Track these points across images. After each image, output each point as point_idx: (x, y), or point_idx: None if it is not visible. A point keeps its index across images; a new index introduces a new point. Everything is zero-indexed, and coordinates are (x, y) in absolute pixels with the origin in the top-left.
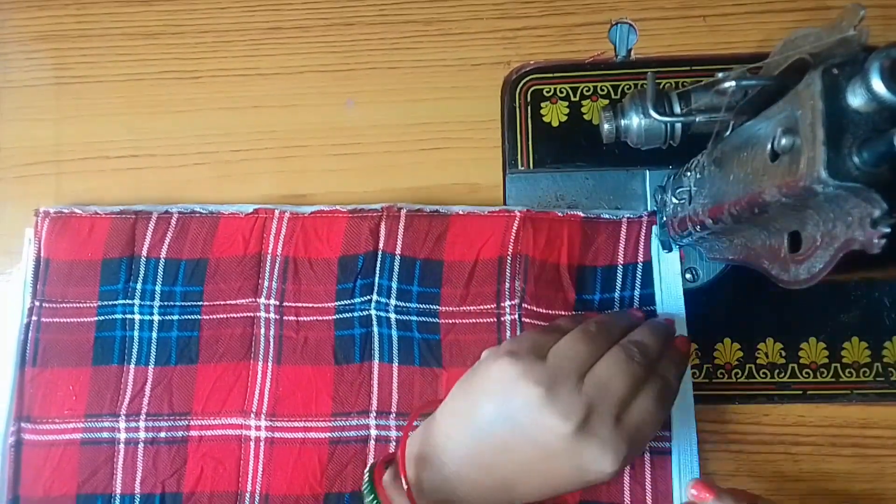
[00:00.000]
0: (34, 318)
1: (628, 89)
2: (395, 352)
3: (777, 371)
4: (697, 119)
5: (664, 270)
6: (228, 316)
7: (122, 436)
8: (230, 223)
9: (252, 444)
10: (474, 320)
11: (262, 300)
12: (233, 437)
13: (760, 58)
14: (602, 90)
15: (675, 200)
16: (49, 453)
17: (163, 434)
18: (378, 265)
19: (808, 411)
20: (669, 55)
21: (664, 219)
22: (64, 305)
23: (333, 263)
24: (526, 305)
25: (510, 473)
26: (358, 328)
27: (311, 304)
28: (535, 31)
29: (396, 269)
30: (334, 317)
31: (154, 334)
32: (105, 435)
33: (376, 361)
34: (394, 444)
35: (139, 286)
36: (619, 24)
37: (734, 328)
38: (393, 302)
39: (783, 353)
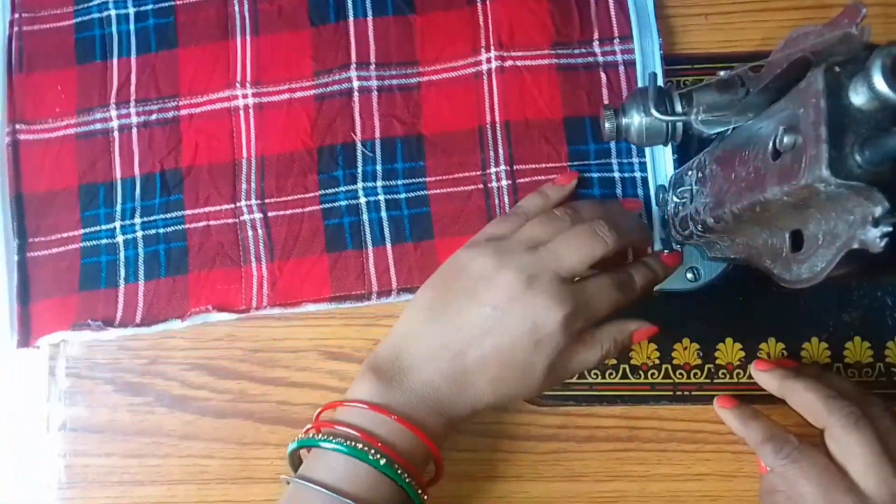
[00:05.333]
0: (15, 28)
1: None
2: (368, 6)
3: None
4: (699, 118)
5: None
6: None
7: (115, 124)
8: None
9: (242, 112)
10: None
11: None
12: (222, 111)
13: (762, 56)
14: None
15: (676, 199)
16: (46, 151)
17: (154, 117)
18: None
19: None
20: (670, 54)
21: (665, 218)
22: (42, 13)
23: None
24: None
25: (463, 339)
26: None
27: None
28: None
29: None
30: None
31: (132, 26)
32: (98, 126)
33: (351, 19)
34: (375, 93)
35: None
36: None
37: (736, 328)
38: None
39: (785, 353)
